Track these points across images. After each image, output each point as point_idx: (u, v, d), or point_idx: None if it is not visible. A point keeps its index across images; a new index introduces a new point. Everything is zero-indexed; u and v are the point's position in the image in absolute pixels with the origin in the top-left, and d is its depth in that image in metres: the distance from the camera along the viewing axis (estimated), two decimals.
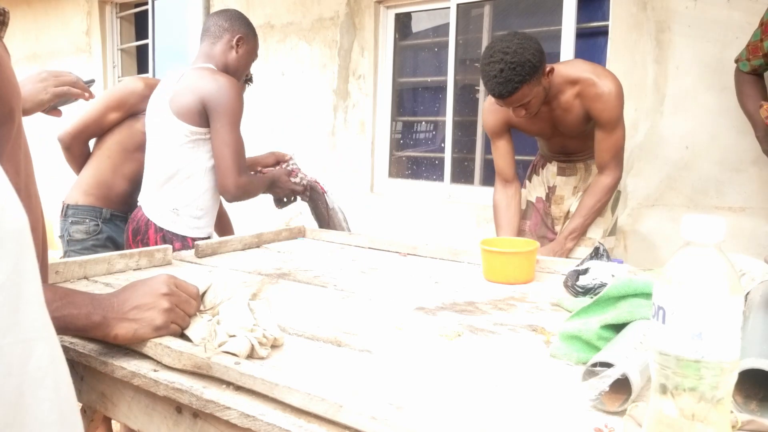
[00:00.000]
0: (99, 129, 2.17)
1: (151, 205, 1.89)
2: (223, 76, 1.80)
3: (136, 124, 2.16)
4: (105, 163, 2.17)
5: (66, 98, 1.50)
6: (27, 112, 1.43)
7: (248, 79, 2.13)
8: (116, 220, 2.16)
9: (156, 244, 1.82)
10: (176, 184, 1.85)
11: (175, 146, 1.82)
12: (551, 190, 2.21)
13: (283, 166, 2.16)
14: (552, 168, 2.21)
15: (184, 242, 1.85)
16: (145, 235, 1.87)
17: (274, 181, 2.03)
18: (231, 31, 1.90)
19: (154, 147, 1.91)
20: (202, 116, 1.78)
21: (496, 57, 1.76)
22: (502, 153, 2.13)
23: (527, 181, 2.30)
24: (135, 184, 2.10)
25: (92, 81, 1.66)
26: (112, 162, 2.16)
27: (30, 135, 0.83)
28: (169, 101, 1.82)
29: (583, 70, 1.90)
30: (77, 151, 2.20)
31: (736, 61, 2.20)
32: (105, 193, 2.14)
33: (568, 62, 1.98)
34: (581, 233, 1.98)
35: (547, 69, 1.83)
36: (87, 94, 1.57)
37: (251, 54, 1.96)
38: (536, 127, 2.05)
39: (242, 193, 1.83)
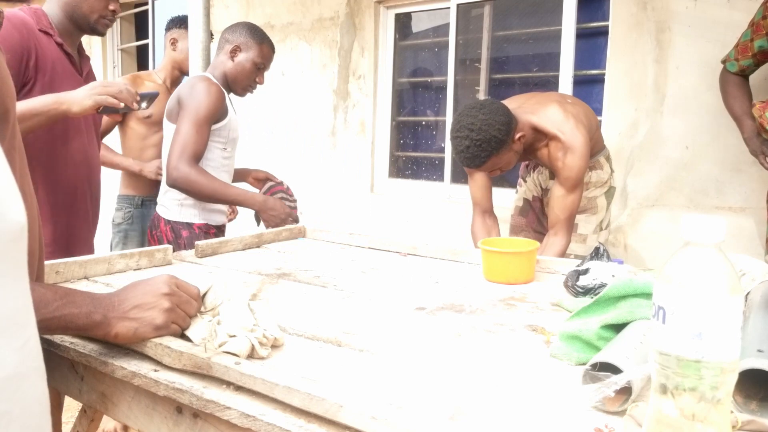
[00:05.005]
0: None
1: (162, 201, 2.02)
2: (199, 79, 1.92)
3: (137, 112, 2.33)
4: (130, 155, 2.53)
5: (110, 106, 1.57)
6: (73, 114, 1.52)
7: (250, 87, 2.06)
8: (147, 205, 2.56)
9: (166, 235, 1.96)
10: None
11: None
12: (545, 192, 2.22)
13: (274, 193, 2.16)
14: (545, 171, 2.21)
15: (190, 229, 1.97)
16: (157, 229, 2.00)
17: (261, 207, 1.98)
18: (230, 42, 1.99)
19: (164, 148, 2.05)
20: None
21: (462, 132, 1.77)
22: (480, 185, 2.11)
23: (522, 180, 2.31)
24: None
25: (155, 94, 1.77)
26: (134, 155, 2.53)
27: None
28: (166, 106, 2.02)
29: (553, 123, 1.87)
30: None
31: (723, 61, 2.20)
32: (134, 182, 2.54)
33: (538, 109, 1.93)
34: None
35: (518, 135, 1.82)
36: (135, 106, 1.63)
37: (249, 62, 1.98)
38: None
39: (179, 178, 1.82)
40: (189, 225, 1.96)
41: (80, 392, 0.91)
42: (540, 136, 1.90)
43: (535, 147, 1.93)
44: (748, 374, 0.65)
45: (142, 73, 2.69)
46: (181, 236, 1.94)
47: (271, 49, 2.04)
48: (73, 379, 0.91)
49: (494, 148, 1.76)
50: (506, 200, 2.87)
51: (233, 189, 1.93)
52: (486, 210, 2.12)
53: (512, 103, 1.98)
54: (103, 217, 2.90)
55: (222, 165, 2.00)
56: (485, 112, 1.77)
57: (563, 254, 1.91)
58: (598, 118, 2.77)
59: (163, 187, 2.00)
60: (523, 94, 2.11)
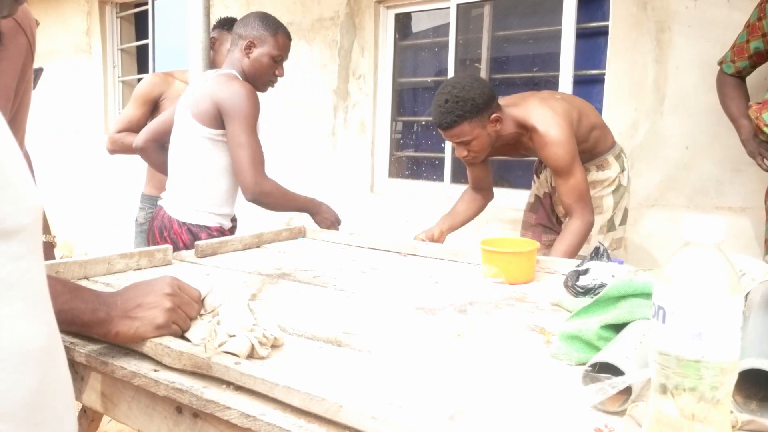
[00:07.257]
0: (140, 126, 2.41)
1: (174, 204, 1.95)
2: (236, 81, 1.85)
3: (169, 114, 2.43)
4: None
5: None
6: None
7: (271, 82, 2.01)
8: None
9: (182, 238, 1.90)
10: (197, 185, 1.92)
11: (194, 148, 1.90)
12: (553, 190, 2.23)
13: None
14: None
15: (209, 232, 1.92)
16: (169, 231, 1.93)
17: (317, 209, 2.04)
18: (243, 38, 1.90)
19: (176, 149, 1.98)
20: (218, 119, 1.84)
21: (445, 89, 1.86)
22: (476, 173, 2.21)
23: (535, 176, 2.33)
24: None
25: (39, 70, 1.62)
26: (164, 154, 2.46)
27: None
28: (190, 105, 1.90)
29: (530, 114, 1.91)
30: (154, 154, 2.24)
31: (720, 63, 2.20)
32: (157, 184, 2.40)
33: (520, 103, 1.97)
34: None
35: (494, 115, 1.86)
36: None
37: (266, 57, 1.90)
38: (513, 156, 2.13)
39: (262, 194, 1.83)
40: (207, 228, 1.91)
41: (80, 392, 0.91)
42: (522, 129, 1.93)
43: (521, 141, 1.97)
44: (748, 374, 0.65)
45: (175, 71, 2.58)
46: (200, 239, 1.80)
47: (287, 37, 1.95)
48: (73, 379, 0.91)
49: (469, 111, 1.81)
50: (517, 201, 2.88)
51: (299, 196, 2.00)
52: (477, 187, 2.22)
53: (501, 101, 2.02)
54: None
55: None
56: (473, 78, 1.90)
57: (585, 232, 1.90)
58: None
59: (178, 188, 1.94)
60: (517, 94, 2.14)
